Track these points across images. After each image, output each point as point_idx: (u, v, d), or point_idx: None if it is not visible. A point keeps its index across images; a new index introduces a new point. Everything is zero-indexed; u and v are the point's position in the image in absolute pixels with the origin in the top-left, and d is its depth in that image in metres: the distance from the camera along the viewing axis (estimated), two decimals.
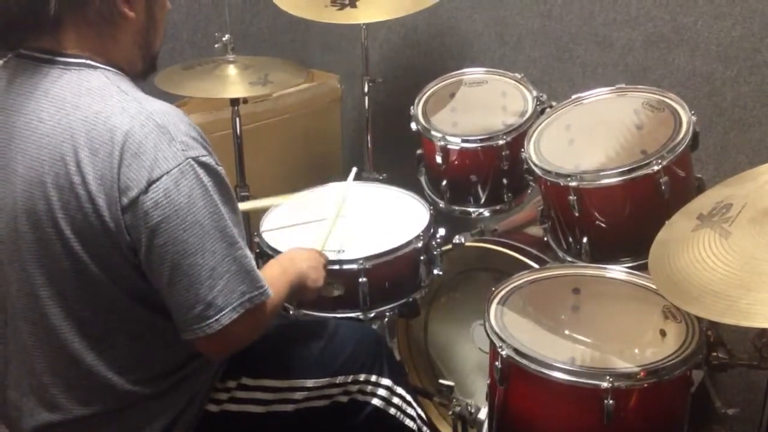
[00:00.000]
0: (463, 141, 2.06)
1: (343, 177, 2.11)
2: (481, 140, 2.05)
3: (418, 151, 2.23)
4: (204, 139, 1.27)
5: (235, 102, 2.43)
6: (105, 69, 1.28)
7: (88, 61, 1.27)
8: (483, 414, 1.72)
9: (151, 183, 1.19)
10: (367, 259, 1.82)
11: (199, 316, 1.26)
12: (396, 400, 1.67)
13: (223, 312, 1.27)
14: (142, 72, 1.39)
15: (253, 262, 1.32)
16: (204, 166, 1.24)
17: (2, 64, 1.34)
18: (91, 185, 1.20)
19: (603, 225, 1.76)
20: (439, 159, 2.08)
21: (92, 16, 1.26)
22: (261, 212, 2.08)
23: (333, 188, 2.18)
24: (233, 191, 1.33)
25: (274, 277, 1.41)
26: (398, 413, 1.67)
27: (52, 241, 1.24)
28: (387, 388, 1.66)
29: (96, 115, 1.22)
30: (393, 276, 1.89)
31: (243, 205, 1.68)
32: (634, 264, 1.72)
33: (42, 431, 1.37)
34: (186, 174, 1.21)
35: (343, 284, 1.80)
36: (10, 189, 1.26)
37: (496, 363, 1.51)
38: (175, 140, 1.21)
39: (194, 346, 1.33)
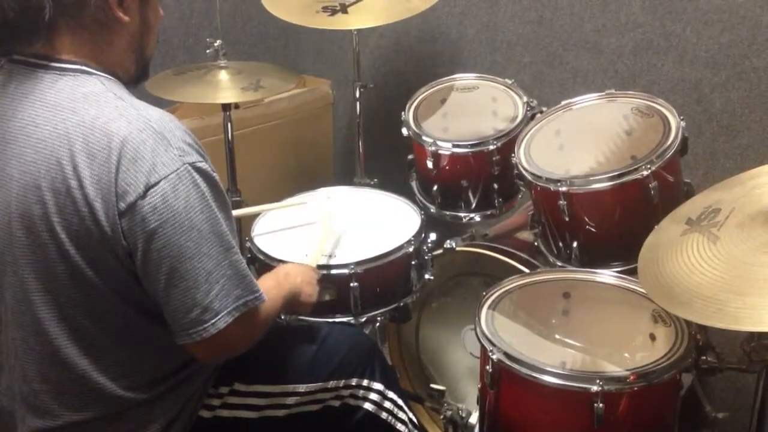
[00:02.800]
0: (454, 146, 2.07)
1: (334, 182, 2.12)
2: (472, 145, 2.06)
3: (409, 157, 2.24)
4: (199, 146, 1.28)
5: (226, 107, 2.42)
6: (100, 75, 1.29)
7: (84, 67, 1.28)
8: (474, 418, 1.73)
9: (149, 188, 1.20)
10: (359, 263, 1.82)
11: (196, 320, 1.26)
12: (388, 404, 1.67)
13: (219, 316, 1.27)
14: (136, 78, 1.39)
15: (247, 268, 1.32)
16: (200, 171, 1.24)
17: None
18: (88, 189, 1.20)
19: (593, 229, 1.77)
20: (430, 164, 2.08)
21: (87, 21, 1.26)
22: (252, 217, 2.09)
23: (323, 193, 2.19)
24: (227, 197, 1.34)
25: (268, 289, 1.42)
26: (390, 418, 1.68)
27: (46, 245, 1.24)
28: (379, 392, 1.66)
29: (93, 120, 1.22)
30: (384, 281, 1.89)
31: (234, 212, 1.68)
32: (624, 268, 1.72)
33: None
34: (183, 179, 1.22)
35: (335, 289, 1.80)
36: (4, 193, 1.26)
37: (487, 367, 1.52)
38: (172, 146, 1.22)
39: (189, 351, 1.33)
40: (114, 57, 1.32)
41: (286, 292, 1.53)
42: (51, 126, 1.23)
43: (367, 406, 1.65)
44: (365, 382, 1.65)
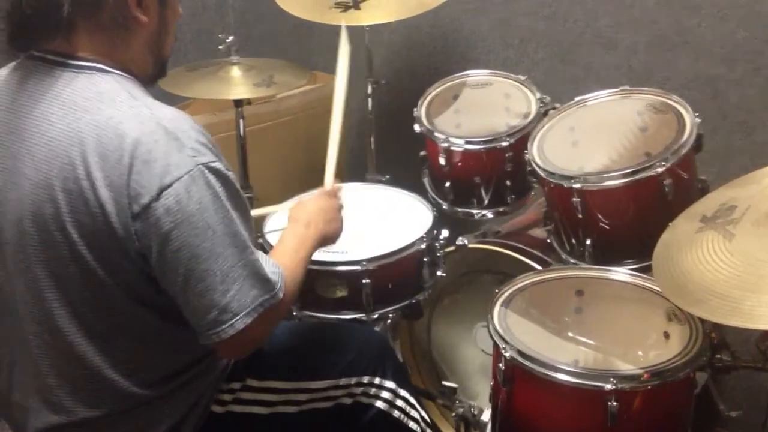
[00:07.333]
0: (467, 143, 2.07)
1: (345, 179, 2.11)
2: (485, 142, 2.05)
3: (422, 153, 2.24)
4: (213, 145, 1.27)
5: (238, 103, 2.43)
6: (116, 73, 1.28)
7: (100, 65, 1.27)
8: (486, 416, 1.73)
9: (162, 190, 1.19)
10: (371, 260, 1.82)
11: (215, 321, 1.26)
12: (400, 402, 1.67)
13: (238, 317, 1.27)
14: (153, 77, 1.39)
15: (265, 266, 1.32)
16: (214, 171, 1.24)
17: (14, 66, 1.34)
18: (100, 190, 1.20)
19: (606, 227, 1.76)
20: (442, 160, 2.08)
21: (105, 20, 1.26)
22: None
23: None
24: (243, 195, 1.33)
25: (288, 256, 1.42)
26: (402, 416, 1.67)
27: (58, 244, 1.24)
28: (391, 390, 1.66)
29: (107, 120, 1.22)
30: (396, 277, 1.89)
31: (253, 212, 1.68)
32: (638, 266, 1.72)
33: None
34: (197, 180, 1.21)
35: (347, 285, 1.80)
36: (17, 191, 1.26)
37: (500, 365, 1.51)
38: (185, 147, 1.22)
39: (213, 349, 1.33)
40: (131, 56, 1.32)
41: (309, 248, 1.50)
42: (64, 125, 1.23)
43: (379, 404, 1.64)
44: (377, 381, 1.64)
